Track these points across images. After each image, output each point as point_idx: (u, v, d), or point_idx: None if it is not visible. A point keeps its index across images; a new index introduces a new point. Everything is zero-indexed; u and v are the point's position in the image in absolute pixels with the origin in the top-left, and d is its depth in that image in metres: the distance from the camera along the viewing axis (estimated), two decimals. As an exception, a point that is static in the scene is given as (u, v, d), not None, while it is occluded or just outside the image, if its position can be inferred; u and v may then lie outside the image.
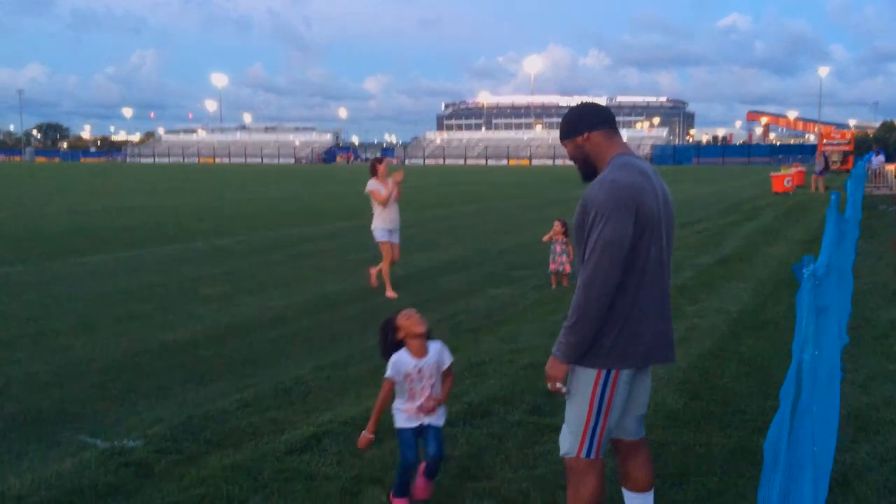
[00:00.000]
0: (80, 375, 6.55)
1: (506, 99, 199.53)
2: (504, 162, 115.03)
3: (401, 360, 3.99)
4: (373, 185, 9.95)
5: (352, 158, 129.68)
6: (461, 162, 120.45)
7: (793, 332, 7.82)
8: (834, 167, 40.06)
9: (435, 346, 4.04)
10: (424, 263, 12.93)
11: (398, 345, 4.05)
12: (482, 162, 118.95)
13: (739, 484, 4.25)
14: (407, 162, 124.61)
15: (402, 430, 4.04)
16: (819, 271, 2.37)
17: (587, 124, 3.21)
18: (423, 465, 4.10)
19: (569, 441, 3.20)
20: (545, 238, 11.12)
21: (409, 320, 4.03)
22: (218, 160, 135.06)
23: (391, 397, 4.04)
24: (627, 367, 3.10)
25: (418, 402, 3.99)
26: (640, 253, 3.01)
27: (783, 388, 2.16)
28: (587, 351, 3.05)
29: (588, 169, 3.26)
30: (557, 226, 10.93)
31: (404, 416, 4.03)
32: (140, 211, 25.10)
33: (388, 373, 3.98)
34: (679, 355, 6.90)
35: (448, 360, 4.06)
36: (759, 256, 13.49)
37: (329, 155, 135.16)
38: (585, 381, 3.11)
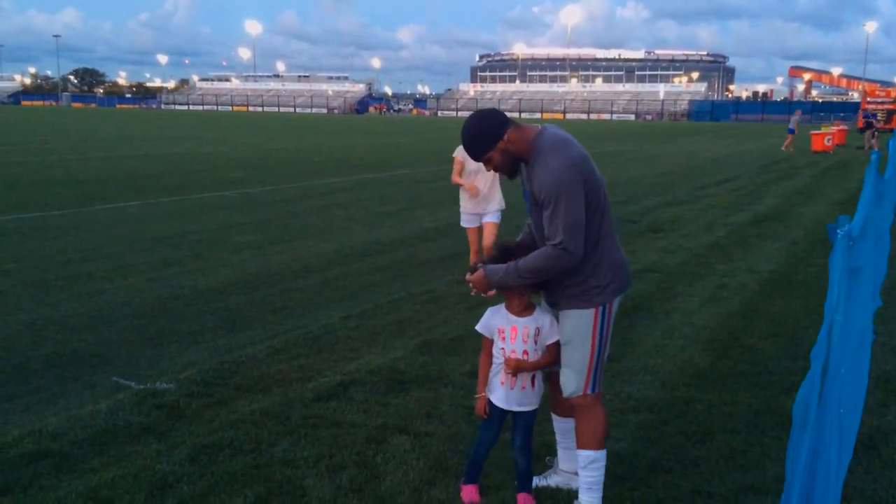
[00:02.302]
0: (114, 319, 6.69)
1: (541, 51, 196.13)
2: (538, 115, 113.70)
3: (493, 315, 3.57)
4: (459, 150, 7.60)
5: (384, 109, 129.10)
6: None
7: (825, 293, 7.72)
8: (879, 126, 38.96)
9: (542, 315, 3.50)
10: (454, 216, 12.89)
11: None
12: (515, 115, 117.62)
13: (764, 443, 4.24)
14: (440, 114, 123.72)
15: (491, 406, 3.61)
16: (854, 231, 2.31)
17: (498, 127, 3.31)
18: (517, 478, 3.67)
19: (574, 382, 3.39)
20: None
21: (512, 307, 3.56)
22: (251, 109, 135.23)
23: (490, 356, 3.58)
24: (617, 296, 3.41)
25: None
26: (601, 200, 3.29)
27: (814, 349, 2.13)
28: (578, 296, 3.32)
29: (517, 164, 3.39)
30: None
31: (493, 385, 3.58)
32: (174, 158, 25.31)
33: (478, 325, 3.62)
34: (707, 314, 6.89)
35: (552, 336, 3.47)
36: (794, 216, 13.27)
37: (362, 105, 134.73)
38: (585, 322, 3.35)
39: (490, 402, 3.57)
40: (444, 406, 4.78)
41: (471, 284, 3.47)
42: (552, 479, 3.80)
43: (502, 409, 3.56)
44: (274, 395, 4.92)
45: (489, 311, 3.57)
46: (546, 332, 3.48)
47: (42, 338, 6.13)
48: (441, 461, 4.04)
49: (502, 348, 3.48)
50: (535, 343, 3.47)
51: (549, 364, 3.52)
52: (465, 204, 7.80)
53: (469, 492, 3.65)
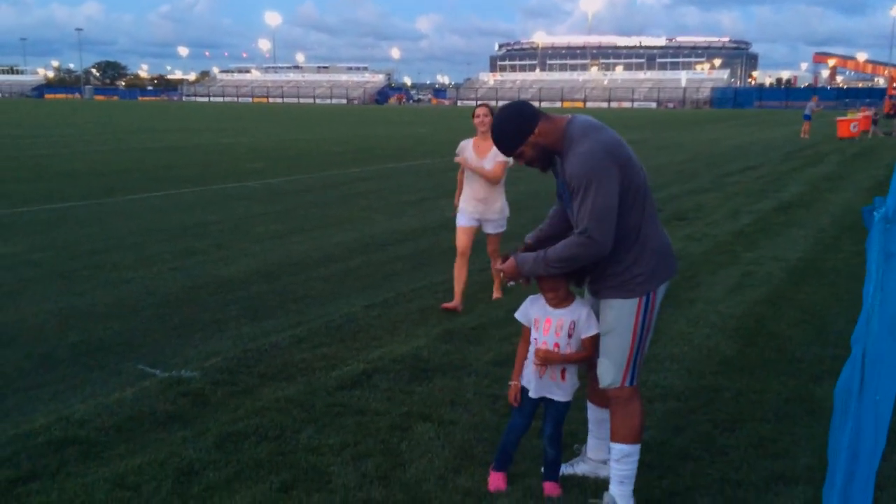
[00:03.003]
0: (139, 308, 6.73)
1: (561, 39, 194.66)
2: (558, 104, 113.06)
3: (531, 304, 3.52)
4: (460, 146, 6.79)
5: (404, 99, 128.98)
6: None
7: (854, 280, 7.63)
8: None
9: (580, 307, 3.41)
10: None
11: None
12: (536, 104, 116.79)
13: (794, 432, 4.18)
14: (459, 103, 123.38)
15: (523, 393, 3.57)
16: (889, 213, 2.25)
17: (529, 121, 3.23)
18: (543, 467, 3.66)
19: (612, 373, 3.30)
20: None
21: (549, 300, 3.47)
22: (271, 100, 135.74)
23: (528, 345, 3.54)
24: (662, 284, 3.30)
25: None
26: (639, 187, 3.18)
27: (854, 334, 2.07)
28: (621, 285, 3.22)
29: (550, 157, 3.31)
30: None
31: (526, 373, 3.54)
32: (195, 149, 25.44)
33: (517, 313, 3.57)
34: (733, 302, 6.81)
35: (589, 329, 3.38)
36: (821, 203, 13.09)
37: (381, 96, 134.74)
38: (627, 312, 3.24)
39: (522, 390, 3.53)
40: (468, 394, 4.76)
41: (502, 274, 3.41)
42: (579, 468, 3.76)
43: (534, 400, 3.51)
44: (297, 384, 4.92)
45: (528, 300, 3.52)
46: (582, 326, 3.38)
47: (68, 326, 6.17)
48: (466, 449, 4.01)
49: (535, 338, 3.45)
50: (569, 336, 3.38)
51: (583, 359, 3.44)
52: (464, 204, 6.74)
53: (496, 479, 3.62)
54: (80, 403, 4.60)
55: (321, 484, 3.65)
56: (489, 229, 6.83)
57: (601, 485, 3.57)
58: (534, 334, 3.45)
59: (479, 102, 7.26)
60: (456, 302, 6.72)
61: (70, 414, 4.41)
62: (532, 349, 3.48)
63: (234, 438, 4.11)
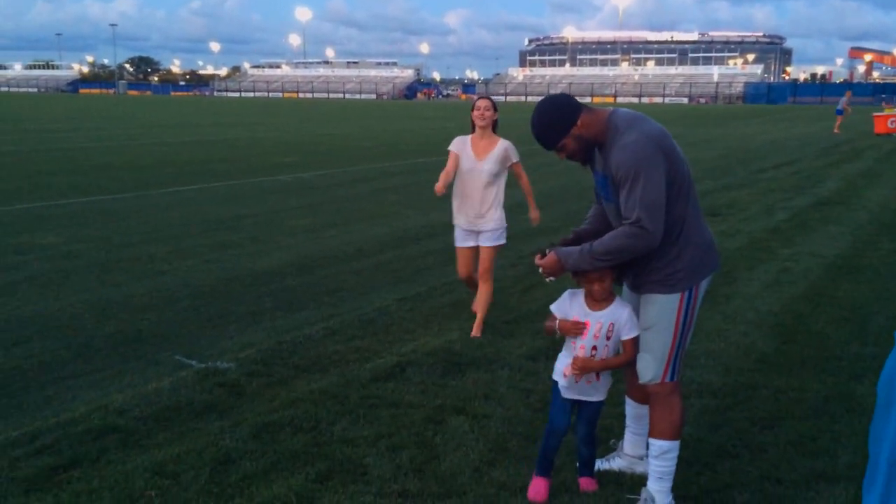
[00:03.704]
0: (175, 299, 6.81)
1: (591, 34, 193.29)
2: (588, 99, 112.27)
3: (573, 302, 3.36)
4: (454, 143, 5.85)
5: (433, 94, 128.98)
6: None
7: (893, 277, 7.46)
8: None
9: (620, 309, 3.30)
10: (507, 201, 12.82)
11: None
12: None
13: (834, 430, 4.11)
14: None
15: (553, 390, 3.51)
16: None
17: (572, 113, 3.15)
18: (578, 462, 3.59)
19: (653, 368, 3.26)
20: None
21: (592, 293, 3.32)
22: (301, 95, 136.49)
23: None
24: (705, 279, 3.26)
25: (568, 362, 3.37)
26: (684, 178, 3.15)
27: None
28: (663, 280, 3.17)
29: (591, 150, 3.24)
30: None
31: (562, 374, 3.42)
32: (228, 144, 25.67)
33: (553, 305, 3.41)
34: (771, 299, 6.71)
35: (630, 332, 3.28)
36: (858, 200, 12.86)
37: (410, 91, 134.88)
38: (669, 307, 3.20)
39: (555, 387, 3.47)
40: (502, 388, 4.75)
41: (541, 270, 3.28)
42: (615, 463, 3.73)
43: (569, 401, 3.44)
44: (331, 376, 4.95)
45: (567, 294, 3.39)
46: (622, 327, 3.28)
47: (105, 317, 6.26)
48: (500, 443, 4.01)
49: (573, 341, 3.33)
50: (608, 339, 3.28)
51: (622, 365, 3.36)
52: (456, 215, 5.93)
53: (538, 486, 3.49)
54: (119, 393, 4.66)
55: (357, 475, 3.66)
56: (484, 241, 5.83)
57: (638, 481, 3.54)
58: (572, 337, 3.34)
59: (479, 94, 6.00)
60: (477, 327, 5.89)
61: (109, 403, 4.47)
62: (570, 347, 3.37)
63: (270, 429, 4.14)
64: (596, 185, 3.35)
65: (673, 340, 3.21)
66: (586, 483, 3.54)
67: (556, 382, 3.46)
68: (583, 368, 3.29)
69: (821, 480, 3.58)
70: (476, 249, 5.92)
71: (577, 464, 3.60)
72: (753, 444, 3.96)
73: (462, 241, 5.93)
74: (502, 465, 3.76)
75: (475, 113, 5.70)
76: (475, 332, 5.79)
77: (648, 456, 3.38)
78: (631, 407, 3.67)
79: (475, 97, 5.79)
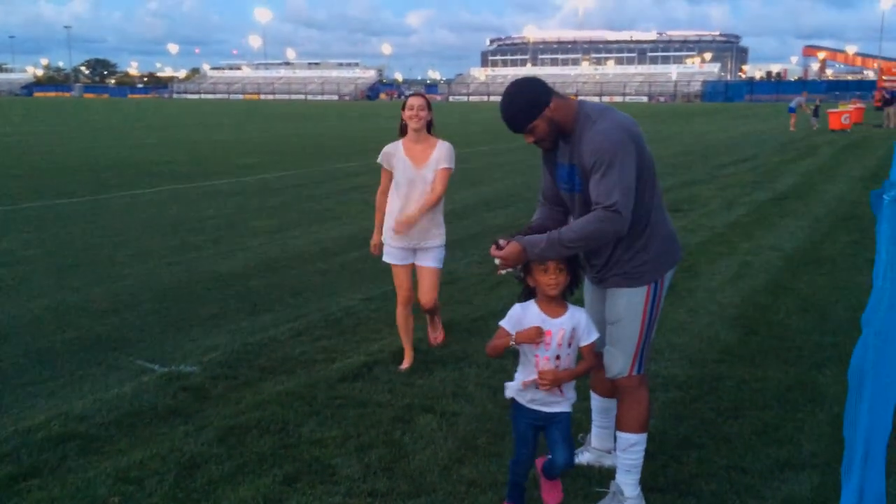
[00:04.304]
0: (136, 303, 6.69)
1: (552, 34, 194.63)
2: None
3: (526, 313, 3.12)
4: (382, 155, 5.14)
5: (396, 95, 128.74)
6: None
7: (851, 269, 7.63)
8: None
9: (577, 313, 3.13)
10: (471, 199, 12.86)
11: (529, 293, 3.19)
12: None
13: (797, 418, 4.18)
14: (451, 99, 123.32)
15: (514, 409, 3.23)
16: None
17: (544, 94, 3.13)
18: (540, 461, 3.29)
19: (620, 362, 3.28)
20: None
21: (544, 277, 3.06)
22: (262, 96, 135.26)
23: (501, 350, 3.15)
24: (669, 270, 3.29)
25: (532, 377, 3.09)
26: (651, 168, 3.17)
27: (864, 314, 2.07)
28: (629, 273, 3.18)
29: (557, 137, 3.19)
30: None
31: (519, 390, 3.17)
32: (188, 145, 25.34)
33: (504, 321, 3.13)
34: (732, 291, 6.81)
35: (589, 336, 3.11)
36: (816, 194, 13.12)
37: (373, 92, 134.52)
38: (636, 301, 3.22)
39: (517, 414, 3.19)
40: (470, 386, 4.74)
41: (498, 261, 3.09)
42: (583, 457, 3.75)
43: (529, 416, 3.15)
44: (298, 377, 4.90)
45: (517, 308, 3.13)
46: (582, 333, 3.10)
47: (65, 322, 6.13)
48: (469, 440, 4.00)
49: (536, 354, 3.08)
50: (569, 346, 3.09)
51: (587, 371, 3.19)
52: (388, 233, 5.09)
53: None
54: (79, 399, 4.57)
55: (325, 476, 3.63)
56: (426, 261, 5.07)
57: (606, 474, 3.56)
58: (531, 349, 3.09)
59: (410, 92, 5.64)
60: (408, 358, 5.15)
61: (69, 409, 4.37)
62: (529, 360, 3.12)
63: (236, 432, 4.08)
64: (556, 178, 3.32)
65: (640, 333, 3.23)
66: (550, 488, 3.28)
67: (515, 404, 3.20)
68: (554, 381, 3.03)
69: (785, 468, 3.63)
70: (409, 270, 5.12)
71: (543, 474, 3.27)
72: (719, 435, 4.01)
73: (399, 258, 5.08)
74: (472, 462, 3.75)
75: (407, 113, 4.92)
76: (435, 340, 5.39)
77: (616, 449, 3.39)
78: (596, 401, 3.69)
79: (405, 96, 5.14)
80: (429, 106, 4.96)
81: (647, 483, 3.41)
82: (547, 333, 3.05)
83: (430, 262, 5.08)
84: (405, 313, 5.16)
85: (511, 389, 3.20)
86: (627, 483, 3.32)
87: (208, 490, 3.49)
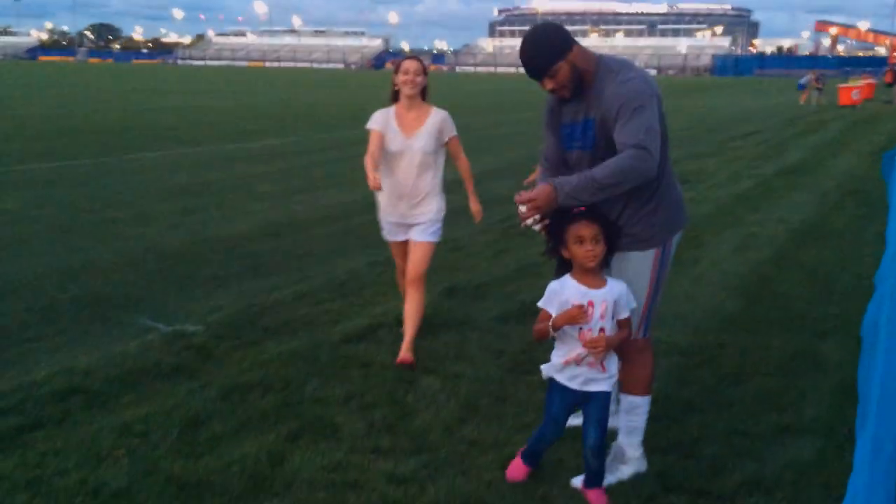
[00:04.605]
0: (140, 263, 6.69)
1: (561, 5, 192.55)
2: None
3: (564, 288, 2.99)
4: (375, 119, 4.69)
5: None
6: (513, 70, 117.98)
7: (857, 242, 7.58)
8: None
9: (617, 285, 3.03)
10: (476, 168, 12.77)
11: (563, 267, 3.06)
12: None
13: (799, 385, 4.18)
14: (458, 69, 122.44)
15: (552, 390, 3.12)
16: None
17: (568, 38, 3.09)
18: (583, 477, 3.17)
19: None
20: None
21: (580, 248, 2.92)
22: (267, 64, 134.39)
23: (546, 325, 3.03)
24: (675, 234, 3.27)
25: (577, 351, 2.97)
26: (665, 132, 3.12)
27: (878, 273, 2.05)
28: (638, 235, 3.14)
29: (577, 86, 3.11)
30: None
31: (560, 369, 3.06)
32: (192, 111, 25.22)
33: (542, 301, 3.03)
34: (738, 262, 6.80)
35: (628, 307, 3.04)
36: (824, 168, 13.04)
37: (379, 61, 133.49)
38: (645, 264, 3.20)
39: (554, 395, 3.10)
40: (473, 349, 4.75)
41: (523, 208, 2.92)
42: (579, 419, 3.74)
43: (567, 397, 3.07)
44: (301, 338, 4.91)
45: (555, 285, 3.01)
46: (622, 306, 3.01)
47: (69, 281, 6.13)
48: (471, 401, 4.02)
49: (579, 330, 2.96)
50: (612, 318, 2.99)
51: (623, 341, 3.08)
52: (384, 206, 4.80)
53: (518, 470, 3.28)
54: (84, 355, 4.58)
55: (328, 433, 3.65)
56: (418, 235, 4.69)
57: (609, 433, 3.56)
58: (572, 326, 2.95)
59: (406, 54, 4.50)
60: (406, 348, 4.57)
61: (73, 365, 4.39)
62: (571, 337, 2.99)
63: (239, 390, 4.10)
64: (564, 138, 3.27)
65: (647, 296, 3.22)
66: (596, 497, 3.13)
67: (552, 385, 3.11)
68: (607, 346, 2.93)
69: (786, 433, 3.64)
70: (406, 246, 4.78)
71: (585, 475, 3.17)
72: (720, 400, 4.02)
73: (393, 235, 4.83)
74: (473, 423, 3.77)
75: (402, 78, 4.51)
76: (404, 355, 4.51)
77: (619, 410, 3.40)
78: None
79: (399, 61, 4.68)
80: (424, 71, 4.60)
81: (649, 444, 3.42)
82: (589, 304, 2.94)
83: (420, 235, 4.66)
84: (403, 285, 4.90)
85: (550, 368, 3.09)
86: (630, 444, 3.33)
87: (212, 445, 3.51)
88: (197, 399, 3.97)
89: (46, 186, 10.39)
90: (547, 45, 3.05)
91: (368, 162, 4.46)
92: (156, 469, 3.31)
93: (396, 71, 4.59)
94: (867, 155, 14.65)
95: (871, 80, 36.64)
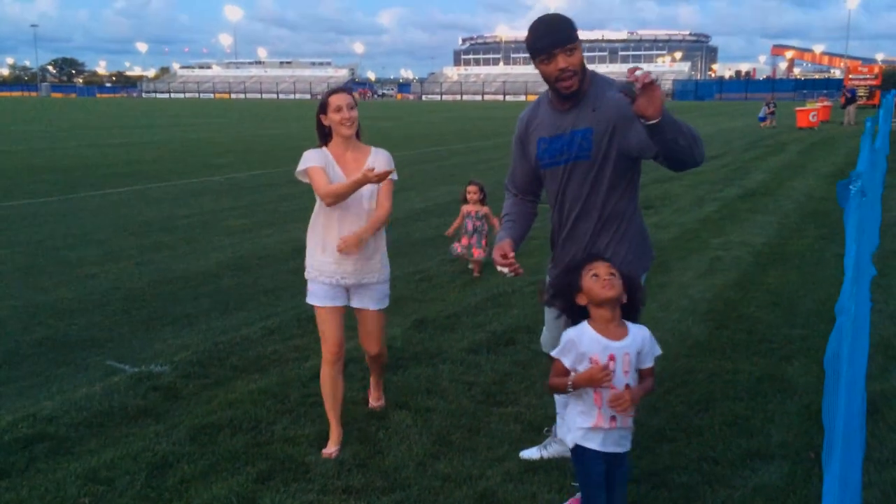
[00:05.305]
0: (106, 303, 6.60)
1: (524, 33, 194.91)
2: (522, 97, 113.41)
3: (582, 337, 2.72)
4: (313, 158, 3.89)
5: (369, 94, 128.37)
6: (479, 98, 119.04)
7: (819, 263, 7.70)
8: (861, 102, 39.27)
9: (640, 332, 2.77)
10: (444, 197, 12.85)
11: (580, 312, 2.80)
12: (500, 97, 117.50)
13: (767, 409, 4.23)
14: (424, 97, 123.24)
15: (583, 459, 2.81)
16: (865, 186, 2.28)
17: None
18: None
19: None
20: (451, 231, 7.89)
21: (597, 282, 2.71)
22: (233, 96, 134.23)
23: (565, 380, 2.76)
24: (646, 271, 3.36)
25: (611, 411, 2.71)
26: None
27: (838, 303, 2.10)
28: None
29: (581, 82, 3.00)
30: (474, 190, 7.61)
31: (588, 431, 2.77)
32: (158, 145, 25.05)
33: (556, 351, 2.78)
34: (703, 286, 6.88)
35: (652, 356, 2.80)
36: (784, 190, 13.29)
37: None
38: None
39: (587, 461, 2.80)
40: (444, 382, 4.75)
41: (638, 110, 2.54)
42: (552, 449, 3.76)
43: (602, 460, 2.79)
44: (271, 375, 4.87)
45: (571, 333, 2.75)
46: (646, 354, 2.77)
47: (33, 323, 6.03)
48: (444, 436, 4.00)
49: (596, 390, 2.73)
50: (635, 371, 2.75)
51: (648, 392, 2.84)
52: (319, 263, 3.90)
53: None
54: (48, 400, 4.50)
55: (299, 473, 3.61)
56: (368, 302, 3.95)
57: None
58: (595, 386, 2.70)
59: (334, 87, 4.20)
60: (334, 438, 3.90)
61: (38, 410, 4.31)
62: (588, 395, 2.75)
63: (208, 431, 4.05)
64: (549, 153, 3.16)
65: None
66: None
67: (580, 451, 2.81)
68: (632, 401, 2.69)
69: (755, 458, 3.68)
70: (338, 314, 3.92)
71: None
72: (690, 427, 4.04)
73: (329, 299, 3.88)
74: (446, 458, 3.76)
75: (336, 116, 3.75)
76: (377, 401, 4.29)
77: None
78: (560, 397, 3.68)
79: (326, 95, 3.84)
80: (356, 103, 3.87)
81: (621, 475, 3.43)
82: (610, 359, 2.68)
83: (372, 303, 3.94)
84: (332, 374, 3.93)
85: (576, 435, 2.80)
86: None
87: (180, 489, 3.46)
88: (164, 442, 3.92)
89: (9, 225, 10.22)
90: (569, 22, 2.96)
91: (332, 196, 3.67)
92: (123, 516, 3.24)
93: (323, 108, 3.81)
94: (825, 176, 14.98)
95: (827, 103, 37.53)
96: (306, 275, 3.93)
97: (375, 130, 33.82)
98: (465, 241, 7.47)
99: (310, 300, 3.94)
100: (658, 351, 2.82)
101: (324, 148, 3.88)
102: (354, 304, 3.94)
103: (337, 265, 3.81)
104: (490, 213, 7.43)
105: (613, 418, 2.73)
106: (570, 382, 2.71)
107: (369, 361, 4.27)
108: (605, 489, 2.81)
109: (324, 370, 3.96)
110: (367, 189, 3.76)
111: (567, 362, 2.74)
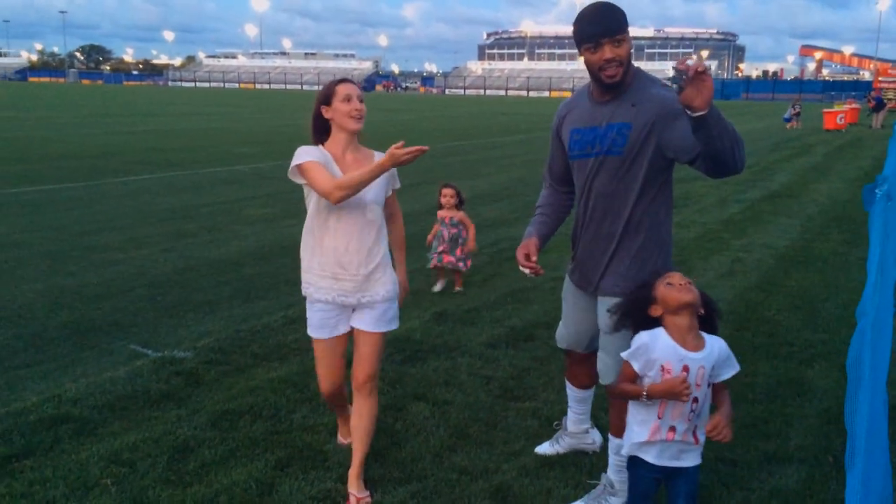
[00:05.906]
0: (130, 288, 6.69)
1: (549, 28, 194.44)
2: (546, 93, 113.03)
3: (656, 343, 2.62)
4: (310, 153, 3.38)
5: (392, 87, 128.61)
6: (502, 93, 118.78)
7: (842, 267, 7.64)
8: (891, 105, 38.81)
9: (717, 344, 2.68)
10: (466, 192, 12.84)
11: (649, 320, 2.71)
12: (524, 93, 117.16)
13: (786, 412, 4.22)
14: (447, 92, 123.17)
15: (637, 469, 2.75)
16: (891, 191, 2.27)
17: None
18: None
19: (613, 371, 3.14)
20: (430, 239, 7.06)
21: (672, 288, 2.64)
22: (258, 86, 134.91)
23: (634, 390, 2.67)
24: None
25: (671, 422, 2.62)
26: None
27: (859, 307, 2.10)
28: (633, 278, 3.05)
29: (625, 74, 2.95)
30: (449, 194, 6.93)
31: (643, 444, 2.70)
32: (183, 134, 25.26)
33: (627, 354, 2.69)
34: (724, 288, 6.85)
35: (729, 370, 2.70)
36: (809, 193, 13.18)
37: (369, 83, 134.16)
38: None
39: (639, 470, 2.74)
40: (462, 375, 4.77)
41: (685, 100, 2.49)
42: (563, 443, 3.77)
43: (655, 472, 2.72)
44: (291, 364, 4.92)
45: (644, 337, 2.65)
46: (722, 368, 2.67)
47: (58, 307, 6.12)
48: (461, 428, 4.03)
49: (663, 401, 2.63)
50: (708, 386, 2.64)
51: (725, 414, 2.65)
52: (317, 280, 3.41)
53: None
54: (72, 382, 4.57)
55: (317, 461, 3.65)
56: (371, 323, 3.39)
57: (597, 463, 3.59)
58: (672, 399, 2.59)
59: (339, 78, 3.58)
60: (346, 433, 3.79)
61: (62, 392, 4.38)
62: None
63: (228, 417, 4.10)
64: (582, 144, 3.12)
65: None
66: None
67: (634, 460, 2.75)
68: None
69: (773, 461, 3.67)
70: (338, 342, 3.47)
71: None
72: (708, 428, 4.03)
73: (328, 329, 3.42)
74: (463, 450, 3.78)
75: (346, 107, 3.34)
76: (357, 493, 3.35)
77: (609, 451, 3.34)
78: (573, 391, 3.68)
79: (332, 84, 3.45)
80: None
81: (637, 473, 3.43)
82: (683, 370, 2.56)
83: (375, 323, 3.38)
84: (332, 403, 3.73)
85: (633, 447, 2.73)
86: (619, 480, 3.32)
87: (201, 473, 3.51)
88: (185, 426, 3.97)
89: (35, 210, 10.38)
90: (619, 11, 2.91)
91: (334, 190, 3.14)
92: (143, 498, 3.30)
93: (328, 98, 3.37)
94: (851, 180, 14.82)
95: (855, 105, 37.11)
96: (303, 291, 3.46)
97: (397, 123, 33.88)
98: (441, 248, 6.79)
99: (309, 331, 3.48)
100: (736, 367, 2.69)
101: (320, 146, 3.42)
102: (354, 323, 3.41)
103: (334, 282, 3.33)
104: (466, 218, 6.82)
105: (672, 429, 2.63)
106: (644, 392, 2.61)
107: (354, 390, 3.45)
108: (651, 501, 2.76)
109: (324, 398, 3.71)
110: (370, 194, 3.29)
111: (636, 366, 2.64)
